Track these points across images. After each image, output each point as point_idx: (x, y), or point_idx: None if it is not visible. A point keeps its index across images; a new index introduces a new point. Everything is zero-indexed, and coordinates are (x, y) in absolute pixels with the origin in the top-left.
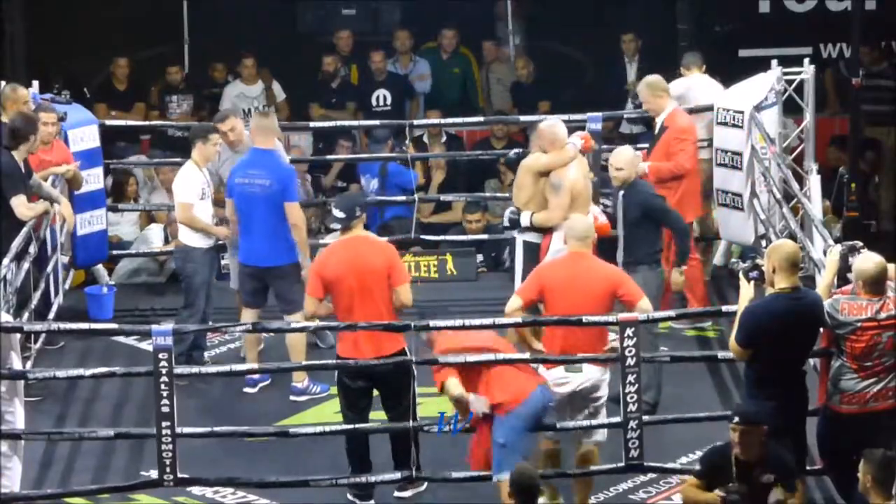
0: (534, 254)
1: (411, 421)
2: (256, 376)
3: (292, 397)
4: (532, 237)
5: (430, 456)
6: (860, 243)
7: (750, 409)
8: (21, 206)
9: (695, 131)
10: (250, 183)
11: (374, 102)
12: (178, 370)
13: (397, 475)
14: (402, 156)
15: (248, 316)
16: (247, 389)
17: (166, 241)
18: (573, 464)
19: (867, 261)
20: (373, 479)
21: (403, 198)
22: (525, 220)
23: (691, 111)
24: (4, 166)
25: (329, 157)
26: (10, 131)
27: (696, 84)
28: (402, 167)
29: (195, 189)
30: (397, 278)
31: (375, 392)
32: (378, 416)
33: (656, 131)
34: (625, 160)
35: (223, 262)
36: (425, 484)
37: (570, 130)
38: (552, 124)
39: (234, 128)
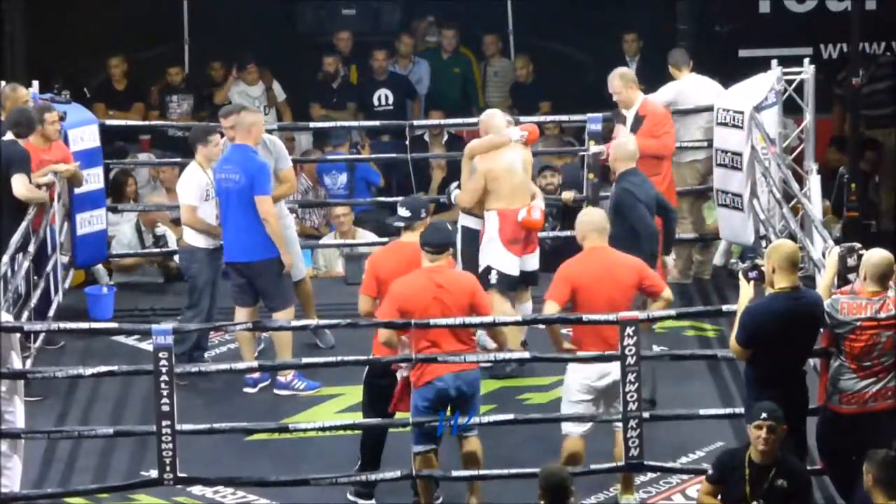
0: (473, 239)
1: (411, 419)
2: (256, 376)
3: (276, 391)
4: (470, 222)
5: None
6: (858, 245)
7: (774, 405)
8: (22, 185)
9: (670, 117)
10: (225, 178)
11: (375, 102)
12: (179, 369)
13: (397, 473)
14: (403, 156)
15: (241, 315)
16: (247, 389)
17: (140, 236)
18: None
19: (876, 254)
20: (373, 477)
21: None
22: (453, 199)
23: (686, 112)
24: (12, 152)
25: (329, 156)
26: (14, 123)
27: (685, 87)
28: (367, 163)
29: (198, 190)
30: None
31: None
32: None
33: (629, 124)
34: (611, 145)
35: None
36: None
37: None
38: (490, 114)
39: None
